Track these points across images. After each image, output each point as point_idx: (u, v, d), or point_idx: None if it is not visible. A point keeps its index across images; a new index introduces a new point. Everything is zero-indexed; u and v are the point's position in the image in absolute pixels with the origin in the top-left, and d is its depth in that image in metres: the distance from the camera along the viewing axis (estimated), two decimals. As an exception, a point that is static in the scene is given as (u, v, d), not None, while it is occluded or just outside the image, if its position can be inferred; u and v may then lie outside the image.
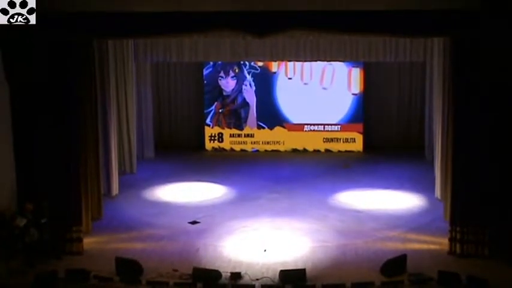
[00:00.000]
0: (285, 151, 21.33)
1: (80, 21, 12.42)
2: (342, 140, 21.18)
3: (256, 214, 15.15)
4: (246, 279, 11.73)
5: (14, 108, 12.61)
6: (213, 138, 21.56)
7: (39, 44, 12.26)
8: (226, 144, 21.53)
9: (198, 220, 14.78)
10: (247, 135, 21.46)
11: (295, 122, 21.25)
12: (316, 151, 21.26)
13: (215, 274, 11.74)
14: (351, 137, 21.10)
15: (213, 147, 21.58)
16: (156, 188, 17.32)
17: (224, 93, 21.29)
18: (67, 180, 12.94)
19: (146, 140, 20.31)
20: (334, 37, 15.97)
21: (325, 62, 19.77)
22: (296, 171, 19.04)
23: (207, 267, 12.12)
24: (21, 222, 12.16)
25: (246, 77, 21.12)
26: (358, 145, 21.05)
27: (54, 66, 12.57)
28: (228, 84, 21.22)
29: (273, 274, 11.86)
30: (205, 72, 21.18)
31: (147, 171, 18.76)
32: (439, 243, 13.19)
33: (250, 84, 21.17)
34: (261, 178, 18.22)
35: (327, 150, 21.22)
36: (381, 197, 16.24)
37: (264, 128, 21.37)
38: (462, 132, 12.54)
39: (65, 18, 12.33)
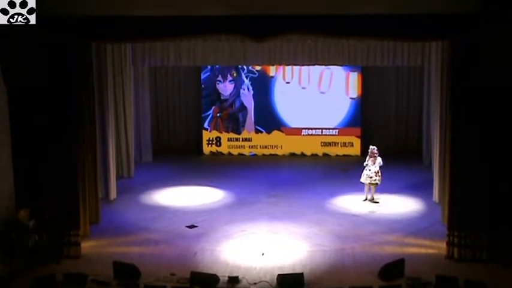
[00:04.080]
0: (283, 155, 21.36)
1: (79, 24, 12.39)
2: (339, 144, 21.20)
3: (254, 218, 15.14)
4: (243, 284, 11.71)
5: (12, 111, 12.57)
6: (211, 142, 21.57)
7: (37, 46, 12.24)
8: (224, 148, 21.55)
9: (195, 224, 14.77)
10: (245, 140, 21.47)
11: (293, 126, 21.28)
12: (314, 155, 21.29)
13: (213, 278, 11.72)
14: (349, 141, 21.13)
15: (211, 151, 21.60)
16: (154, 192, 17.30)
17: (222, 97, 21.32)
18: (65, 184, 12.92)
19: (144, 144, 20.33)
20: (332, 41, 16.00)
21: (323, 66, 19.85)
22: (294, 175, 19.05)
23: (205, 271, 12.09)
24: (31, 224, 12.21)
25: (244, 81, 21.15)
26: (356, 149, 21.07)
27: (52, 69, 12.56)
28: (226, 88, 21.25)
29: (271, 278, 11.83)
30: (203, 76, 21.21)
31: (145, 175, 18.76)
32: (437, 247, 13.18)
33: (248, 88, 21.19)
34: (259, 182, 18.21)
35: (325, 155, 21.26)
36: (379, 201, 16.22)
37: (261, 132, 21.39)
38: (460, 136, 12.52)
39: (64, 21, 12.32)
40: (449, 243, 12.79)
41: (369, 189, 16.13)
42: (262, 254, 12.93)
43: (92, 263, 12.56)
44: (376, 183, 16.00)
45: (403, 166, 19.20)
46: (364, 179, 16.06)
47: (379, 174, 15.92)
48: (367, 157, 16.06)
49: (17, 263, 12.09)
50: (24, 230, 12.08)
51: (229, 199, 16.76)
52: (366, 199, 16.17)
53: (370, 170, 15.91)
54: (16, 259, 12.05)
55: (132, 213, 15.63)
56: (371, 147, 16.19)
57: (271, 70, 21.00)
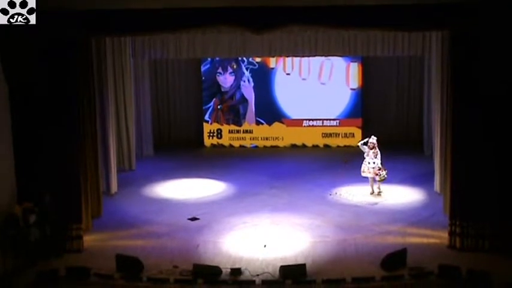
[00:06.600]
0: (284, 147, 21.35)
1: (78, 18, 12.39)
2: (340, 135, 21.20)
3: (255, 210, 15.15)
4: (246, 275, 11.72)
5: (13, 108, 12.59)
6: (211, 134, 21.56)
7: (37, 43, 12.24)
8: (225, 141, 21.54)
9: (197, 216, 14.78)
10: (246, 131, 21.46)
11: (293, 117, 21.26)
12: (315, 146, 21.28)
13: (215, 270, 11.74)
14: (350, 131, 21.11)
15: (211, 144, 21.59)
16: (155, 185, 17.31)
17: (222, 90, 21.30)
18: (66, 178, 12.93)
19: (145, 137, 20.30)
20: (332, 32, 15.94)
21: (323, 57, 19.79)
22: (295, 166, 19.05)
23: (207, 263, 12.12)
24: (32, 218, 12.21)
25: (244, 73, 21.12)
26: (357, 140, 20.95)
27: (52, 64, 12.56)
28: (226, 80, 21.22)
29: (273, 269, 11.86)
30: (203, 68, 21.19)
31: (146, 169, 18.76)
32: (439, 237, 13.19)
33: (248, 80, 21.17)
34: (260, 174, 18.22)
35: (326, 146, 21.25)
36: (380, 192, 16.20)
37: (262, 123, 21.38)
38: (461, 126, 12.51)
39: (62, 16, 12.31)
40: (451, 233, 12.81)
41: (374, 181, 16.00)
42: (265, 246, 12.94)
43: (94, 257, 12.59)
44: (385, 178, 15.72)
45: (404, 156, 19.18)
46: (371, 173, 15.69)
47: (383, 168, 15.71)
48: (367, 149, 15.85)
49: (19, 259, 12.11)
50: (21, 225, 12.08)
51: (231, 191, 16.76)
52: (373, 192, 16.00)
53: (374, 163, 15.62)
54: (17, 255, 12.07)
55: (134, 206, 15.64)
56: (371, 137, 15.95)
57: (272, 62, 20.96)
